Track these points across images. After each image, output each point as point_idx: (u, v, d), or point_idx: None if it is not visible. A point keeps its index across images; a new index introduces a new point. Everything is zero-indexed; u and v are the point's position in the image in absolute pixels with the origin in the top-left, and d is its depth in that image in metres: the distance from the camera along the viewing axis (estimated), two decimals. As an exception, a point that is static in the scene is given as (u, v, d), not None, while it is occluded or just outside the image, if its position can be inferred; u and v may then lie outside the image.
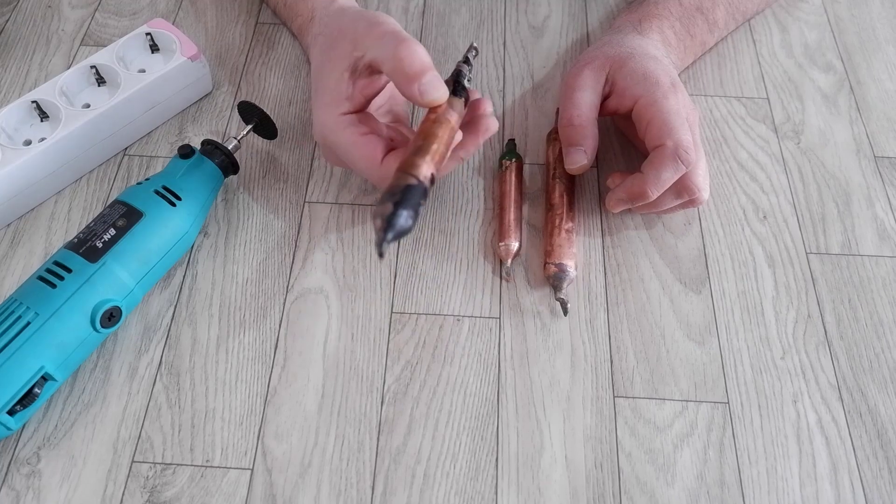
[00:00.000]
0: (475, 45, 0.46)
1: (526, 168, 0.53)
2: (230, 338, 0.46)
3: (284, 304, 0.47)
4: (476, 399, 0.44)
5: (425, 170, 0.39)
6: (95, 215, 0.45)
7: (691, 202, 0.47)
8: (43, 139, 0.49)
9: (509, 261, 0.48)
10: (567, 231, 0.48)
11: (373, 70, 0.44)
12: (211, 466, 0.42)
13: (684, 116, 0.46)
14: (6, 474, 0.41)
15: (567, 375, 0.45)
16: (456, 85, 0.43)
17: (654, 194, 0.45)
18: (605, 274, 0.49)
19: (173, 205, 0.46)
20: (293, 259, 0.49)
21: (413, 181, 0.38)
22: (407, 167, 0.39)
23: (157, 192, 0.46)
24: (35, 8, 0.63)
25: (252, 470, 0.42)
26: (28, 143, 0.51)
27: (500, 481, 0.42)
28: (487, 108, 0.45)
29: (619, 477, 0.42)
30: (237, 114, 0.54)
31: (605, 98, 0.49)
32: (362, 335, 0.46)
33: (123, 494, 0.41)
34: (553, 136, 0.53)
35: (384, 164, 0.43)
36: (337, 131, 0.44)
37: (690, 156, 0.44)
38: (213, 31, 0.61)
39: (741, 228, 0.51)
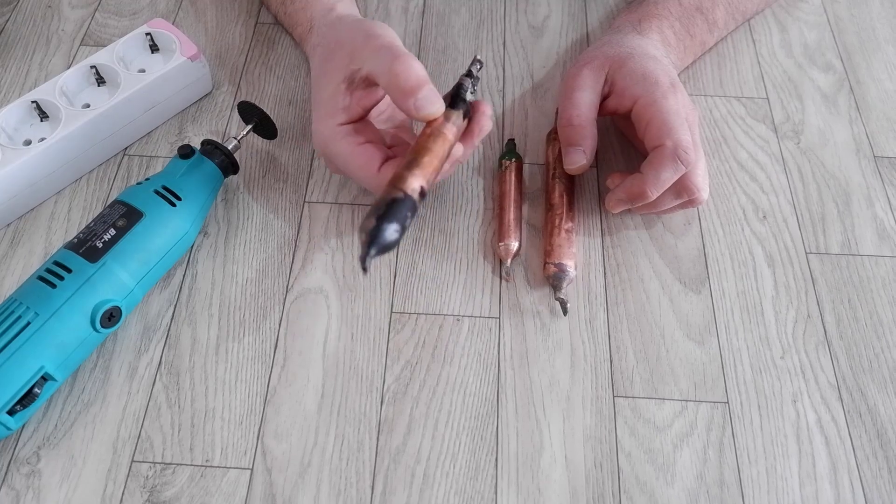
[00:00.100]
0: (479, 57, 0.46)
1: (526, 168, 0.53)
2: (230, 337, 0.46)
3: (284, 303, 0.47)
4: (476, 399, 0.44)
5: (414, 183, 0.39)
6: (95, 215, 0.46)
7: (691, 202, 0.47)
8: (43, 139, 0.49)
9: (509, 261, 0.48)
10: (567, 231, 0.48)
11: (369, 82, 0.44)
12: (211, 466, 0.42)
13: (684, 116, 0.46)
14: (6, 474, 0.41)
15: (567, 375, 0.45)
16: (455, 98, 0.43)
17: (653, 194, 0.45)
18: (605, 274, 0.49)
19: (173, 205, 0.46)
20: (293, 259, 0.49)
21: (399, 195, 0.38)
22: (395, 181, 0.39)
23: (157, 192, 0.46)
24: (35, 8, 0.63)
25: (252, 469, 0.42)
26: (28, 143, 0.51)
27: (499, 481, 0.42)
28: (484, 108, 0.45)
29: (618, 477, 0.42)
30: (237, 114, 0.54)
31: (604, 98, 0.49)
32: (362, 335, 0.46)
33: (123, 494, 0.41)
34: (553, 136, 0.53)
35: (381, 173, 0.44)
36: (334, 142, 0.45)
37: (690, 156, 0.44)
38: (212, 31, 0.61)
39: (741, 228, 0.51)
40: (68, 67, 0.57)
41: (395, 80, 0.41)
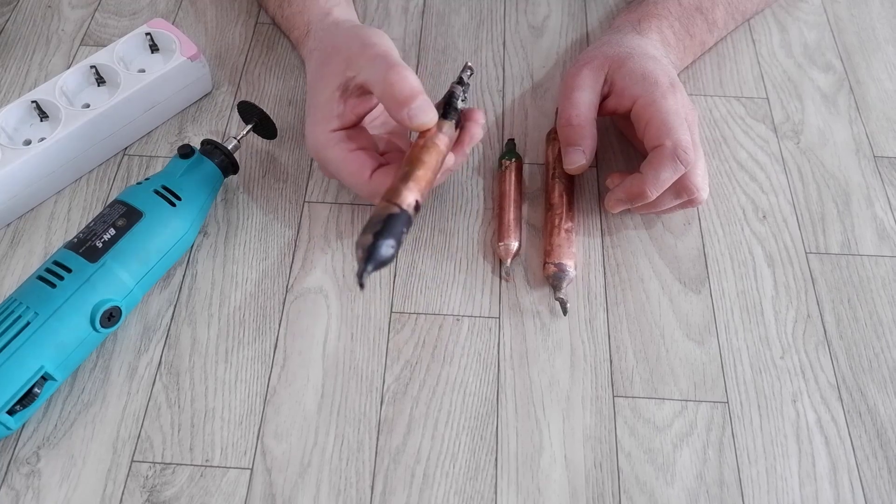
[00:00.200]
0: (470, 64, 0.46)
1: (525, 168, 0.53)
2: (230, 337, 0.46)
3: (284, 303, 0.47)
4: (475, 399, 0.44)
5: (409, 198, 0.39)
6: (95, 215, 0.46)
7: (690, 202, 0.47)
8: (43, 139, 0.49)
9: (509, 260, 0.48)
10: (566, 231, 0.48)
11: (364, 90, 0.44)
12: (210, 466, 0.42)
13: (683, 116, 0.46)
14: (6, 474, 0.41)
15: (566, 375, 0.45)
16: (447, 107, 0.43)
17: (653, 194, 0.45)
18: (605, 274, 0.49)
19: (173, 205, 0.46)
20: (293, 259, 0.49)
21: (395, 210, 0.38)
22: (391, 196, 0.39)
23: (157, 192, 0.46)
24: (35, 8, 0.63)
25: (251, 469, 0.42)
26: (28, 142, 0.51)
27: (499, 481, 0.42)
28: (475, 116, 0.45)
29: (618, 476, 0.42)
30: (237, 114, 0.54)
31: (604, 98, 0.49)
32: (362, 335, 0.46)
33: (123, 494, 0.41)
34: (552, 136, 0.53)
35: (373, 180, 0.44)
36: (327, 147, 0.45)
37: (689, 156, 0.44)
38: (212, 31, 0.61)
39: (741, 228, 0.51)
40: (68, 67, 0.57)
41: (389, 89, 0.41)
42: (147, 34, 0.55)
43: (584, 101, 0.48)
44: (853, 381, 0.45)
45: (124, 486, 0.41)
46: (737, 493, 0.41)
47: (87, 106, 0.53)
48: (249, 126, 0.51)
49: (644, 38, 0.52)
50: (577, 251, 0.50)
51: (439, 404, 0.44)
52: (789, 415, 0.44)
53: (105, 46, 0.55)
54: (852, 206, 0.52)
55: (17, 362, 0.40)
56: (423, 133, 0.42)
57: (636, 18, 0.54)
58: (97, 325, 0.42)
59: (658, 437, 0.43)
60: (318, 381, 0.45)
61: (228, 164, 0.49)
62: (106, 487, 0.41)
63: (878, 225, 0.51)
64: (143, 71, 0.54)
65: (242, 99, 0.52)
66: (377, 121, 0.49)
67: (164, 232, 0.45)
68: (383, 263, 0.37)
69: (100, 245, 0.43)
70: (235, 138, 0.50)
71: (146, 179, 0.47)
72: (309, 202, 0.52)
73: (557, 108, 0.52)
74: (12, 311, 0.41)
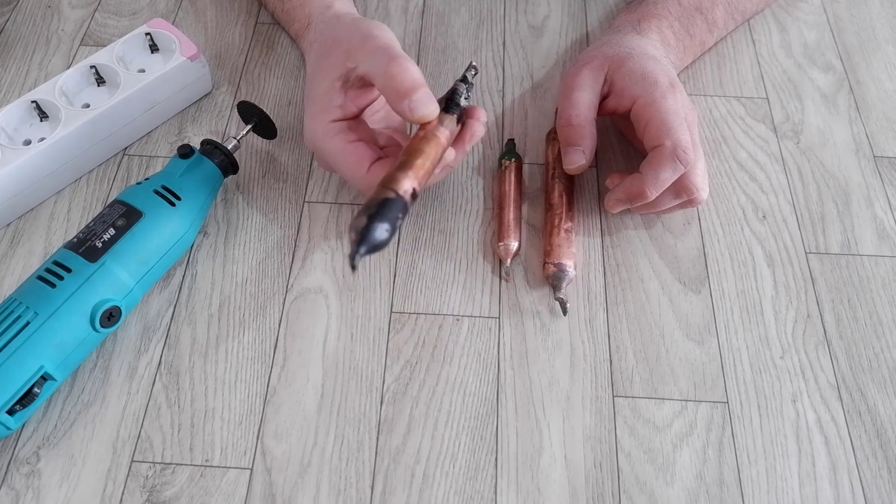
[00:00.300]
0: (475, 63, 0.46)
1: (525, 168, 0.53)
2: (230, 337, 0.46)
3: (284, 303, 0.47)
4: (475, 399, 0.44)
5: (406, 184, 0.39)
6: (95, 215, 0.46)
7: (690, 202, 0.47)
8: (42, 139, 0.49)
9: (509, 260, 0.48)
10: (566, 231, 0.48)
11: (365, 82, 0.44)
12: (210, 466, 0.42)
13: (683, 116, 0.46)
14: (6, 474, 0.41)
15: (566, 375, 0.45)
16: (449, 102, 0.43)
17: (652, 194, 0.45)
18: (605, 274, 0.49)
19: (173, 204, 0.46)
20: (293, 259, 0.49)
21: (391, 195, 0.38)
22: (387, 181, 0.39)
23: (157, 192, 0.46)
24: (35, 8, 0.63)
25: (251, 469, 0.42)
26: (28, 142, 0.51)
27: (499, 481, 0.42)
28: (478, 114, 0.45)
29: (618, 476, 0.42)
30: (237, 114, 0.54)
31: (603, 98, 0.49)
32: (362, 335, 0.46)
33: (123, 494, 0.41)
34: (552, 136, 0.53)
35: (370, 173, 0.44)
36: (326, 139, 0.45)
37: (689, 156, 0.44)
38: (212, 31, 0.61)
39: (740, 228, 0.51)
40: (68, 67, 0.57)
41: (390, 81, 0.41)
42: (147, 34, 0.55)
43: (584, 102, 0.48)
44: (853, 381, 0.45)
45: (124, 486, 0.41)
46: (737, 493, 0.41)
47: (87, 106, 0.53)
48: (249, 126, 0.51)
49: (644, 38, 0.52)
50: (577, 251, 0.50)
51: (439, 404, 0.44)
52: (789, 415, 0.44)
53: (105, 46, 0.55)
54: (852, 206, 0.52)
55: (17, 362, 0.40)
56: (424, 125, 0.42)
57: (636, 18, 0.54)
58: (97, 324, 0.42)
59: (658, 437, 0.43)
60: (318, 381, 0.45)
61: (228, 164, 0.49)
62: (106, 487, 0.41)
63: (878, 225, 0.51)
64: (143, 71, 0.54)
65: (242, 99, 0.52)
66: (377, 115, 0.49)
67: (163, 232, 0.45)
68: (376, 247, 0.37)
69: (99, 245, 0.43)
70: (235, 138, 0.50)
71: (146, 179, 0.47)
72: (309, 202, 0.52)
73: (557, 108, 0.52)
74: (12, 311, 0.41)
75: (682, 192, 0.46)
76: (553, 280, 0.47)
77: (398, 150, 0.45)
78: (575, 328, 0.47)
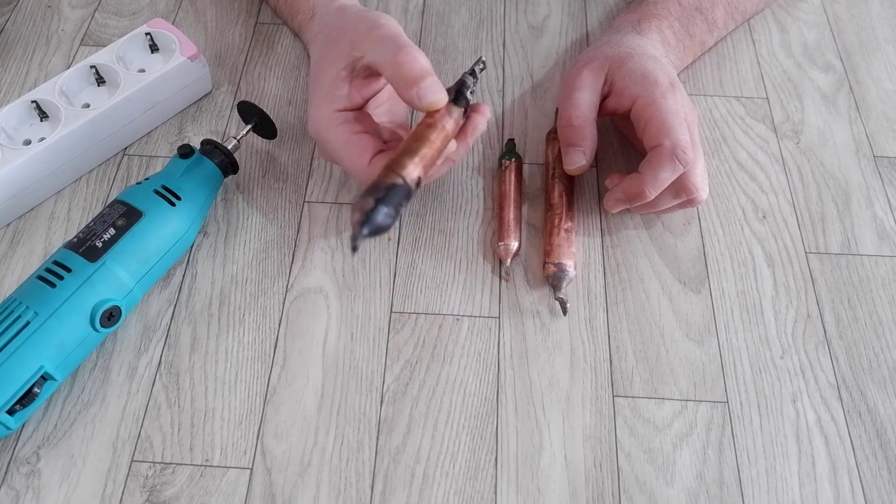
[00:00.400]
0: (483, 59, 0.46)
1: (525, 168, 0.53)
2: (230, 337, 0.46)
3: (284, 303, 0.47)
4: (475, 398, 0.44)
5: (412, 171, 0.39)
6: (95, 215, 0.46)
7: (690, 202, 0.47)
8: (43, 139, 0.49)
9: (509, 260, 0.48)
10: (566, 231, 0.48)
11: (371, 72, 0.44)
12: (210, 466, 0.42)
13: (682, 116, 0.46)
14: (6, 473, 0.41)
15: (566, 375, 0.45)
16: (458, 94, 0.43)
17: (651, 194, 0.45)
18: (605, 274, 0.49)
19: (173, 204, 0.46)
20: (293, 259, 0.49)
21: (398, 180, 0.38)
22: (394, 166, 0.39)
23: (157, 192, 0.46)
24: (35, 8, 0.63)
25: (251, 469, 0.42)
26: (28, 142, 0.51)
27: (499, 481, 0.42)
28: (482, 109, 0.45)
29: (618, 476, 0.42)
30: (237, 114, 0.54)
31: (604, 98, 0.49)
32: (362, 335, 0.46)
33: (123, 494, 0.41)
34: (552, 136, 0.53)
35: (372, 165, 0.43)
36: (329, 128, 0.44)
37: (688, 155, 0.44)
38: (212, 31, 0.61)
39: (740, 228, 0.51)
40: (68, 67, 0.57)
41: (398, 70, 0.41)
42: (147, 34, 0.55)
43: (585, 102, 0.48)
44: (853, 381, 0.45)
45: (124, 486, 0.41)
46: (737, 493, 0.41)
47: (87, 106, 0.53)
48: (249, 126, 0.51)
49: (644, 38, 0.52)
50: (577, 251, 0.50)
51: (439, 404, 0.44)
52: (789, 415, 0.44)
53: (105, 46, 0.55)
54: (852, 206, 0.52)
55: (17, 362, 0.40)
56: (431, 113, 0.42)
57: (636, 18, 0.54)
58: (97, 324, 0.42)
59: (658, 437, 0.43)
60: (318, 380, 0.45)
61: (228, 164, 0.49)
62: (106, 487, 0.41)
63: (878, 225, 0.51)
64: (143, 71, 0.54)
65: (242, 99, 0.52)
66: (381, 109, 0.49)
67: (163, 232, 0.45)
68: (379, 231, 0.37)
69: (100, 245, 0.43)
70: (235, 138, 0.50)
71: (146, 179, 0.47)
72: (309, 202, 0.52)
73: (557, 108, 0.52)
74: (12, 311, 0.41)
75: (681, 191, 0.46)
76: (553, 280, 0.47)
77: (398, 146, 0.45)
78: (575, 328, 0.47)
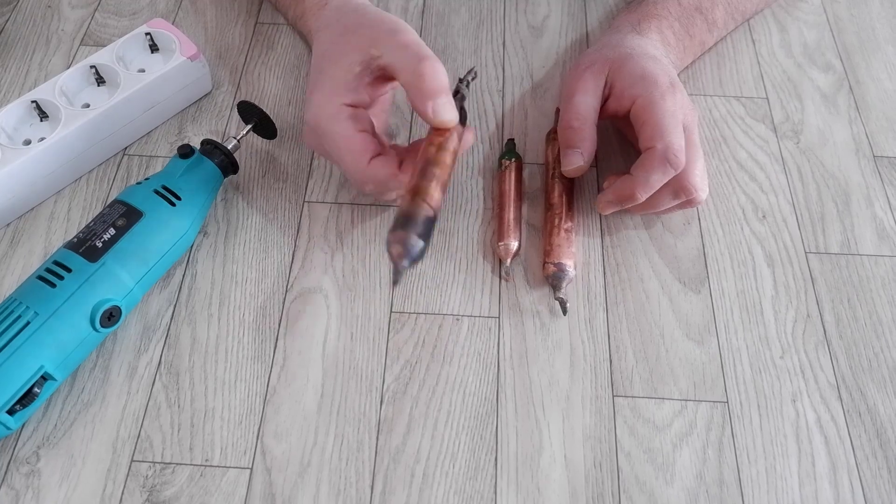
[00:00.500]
0: (475, 69, 0.46)
1: (525, 168, 0.53)
2: (229, 337, 0.46)
3: (284, 303, 0.47)
4: (475, 398, 0.44)
5: (436, 197, 0.40)
6: (95, 215, 0.46)
7: (689, 202, 0.47)
8: (42, 139, 0.49)
9: (508, 260, 0.48)
10: (566, 231, 0.48)
11: (383, 74, 0.44)
12: (210, 466, 0.42)
13: (679, 118, 0.46)
14: (6, 473, 0.41)
15: (566, 375, 0.45)
16: (461, 111, 0.43)
17: (642, 197, 0.45)
18: (605, 273, 0.49)
19: (173, 204, 0.46)
20: (292, 259, 0.49)
21: (431, 213, 0.39)
22: (422, 194, 0.39)
23: (157, 192, 0.46)
24: (35, 8, 0.63)
25: (251, 469, 0.42)
26: (28, 142, 0.51)
27: (499, 481, 0.42)
28: (470, 128, 0.45)
29: (618, 476, 0.42)
30: (237, 113, 0.54)
31: (605, 101, 0.49)
32: (362, 335, 0.46)
33: (123, 493, 0.41)
34: (552, 136, 0.53)
35: (370, 166, 0.43)
36: (334, 121, 0.43)
37: (680, 159, 0.44)
38: (212, 31, 0.61)
39: (740, 228, 0.51)
40: (68, 67, 0.57)
41: (418, 80, 0.41)
42: (147, 34, 0.55)
43: (585, 106, 0.48)
44: (853, 381, 0.45)
45: (124, 486, 0.41)
46: (736, 493, 0.41)
47: (87, 106, 0.53)
48: (249, 126, 0.51)
49: (644, 38, 0.52)
50: (577, 251, 0.50)
51: (439, 404, 0.44)
52: (789, 414, 0.44)
53: (105, 46, 0.55)
54: (852, 206, 0.52)
55: (17, 362, 0.40)
56: (439, 132, 0.42)
57: (636, 19, 0.54)
58: (97, 324, 0.42)
59: (658, 437, 0.43)
60: (317, 380, 0.45)
61: (228, 164, 0.49)
62: (106, 487, 0.41)
63: (878, 225, 0.51)
64: (142, 71, 0.54)
65: (242, 99, 0.52)
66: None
67: (163, 232, 0.45)
68: (417, 261, 0.38)
69: (100, 245, 0.43)
70: (235, 138, 0.50)
71: (146, 179, 0.47)
72: (309, 202, 0.52)
73: (557, 108, 0.52)
74: (12, 311, 0.41)
75: (681, 192, 0.46)
76: (553, 280, 0.47)
77: (386, 151, 0.45)
78: (575, 328, 0.47)
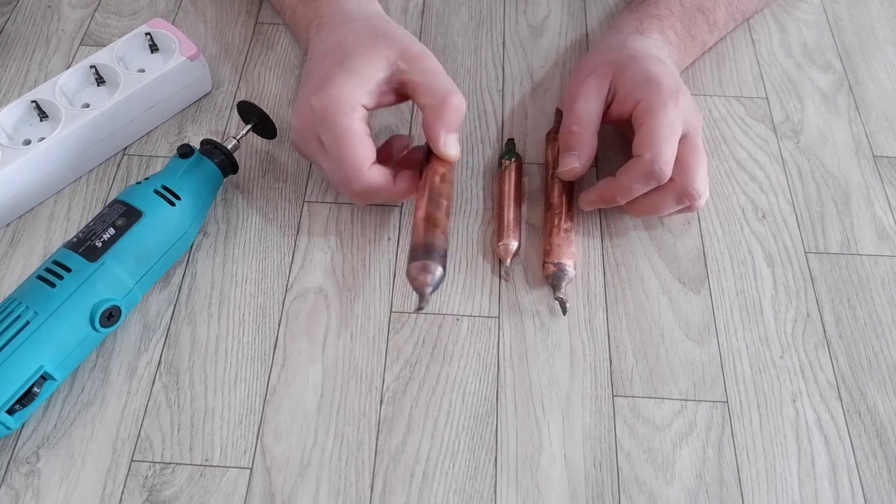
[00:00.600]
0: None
1: (525, 168, 0.53)
2: (229, 337, 0.46)
3: (284, 303, 0.47)
4: (475, 398, 0.44)
5: (448, 229, 0.43)
6: (95, 215, 0.46)
7: (689, 207, 0.47)
8: (42, 139, 0.49)
9: (508, 260, 0.48)
10: (566, 230, 0.48)
11: (401, 89, 0.44)
12: (210, 465, 0.42)
13: (678, 128, 0.45)
14: (5, 473, 0.41)
15: (566, 375, 0.45)
16: None
17: (621, 201, 0.46)
18: (605, 273, 0.49)
19: (173, 204, 0.46)
20: (292, 258, 0.49)
21: (446, 243, 0.42)
22: (440, 225, 0.42)
23: (157, 192, 0.46)
24: (35, 8, 0.63)
25: (251, 469, 0.42)
26: (28, 142, 0.51)
27: (499, 480, 0.42)
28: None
29: (617, 476, 0.42)
30: (237, 113, 0.54)
31: (608, 105, 0.49)
32: (361, 334, 0.46)
33: (122, 493, 0.41)
34: (552, 136, 0.53)
35: (368, 173, 0.43)
36: (349, 117, 0.42)
37: (665, 172, 0.44)
38: (212, 31, 0.61)
39: (740, 228, 0.51)
40: (68, 67, 0.57)
41: (444, 108, 0.43)
42: (147, 34, 0.55)
43: (587, 111, 0.48)
44: (853, 381, 0.45)
45: (124, 486, 0.41)
46: (736, 493, 0.41)
47: (87, 106, 0.53)
48: (249, 126, 0.51)
49: (646, 38, 0.52)
50: (577, 251, 0.50)
51: (439, 404, 0.44)
52: (789, 414, 0.44)
53: (105, 46, 0.55)
54: (852, 206, 0.52)
55: (17, 362, 0.40)
56: (442, 162, 0.44)
57: (637, 19, 0.54)
58: (97, 324, 0.42)
59: (657, 437, 0.43)
60: (317, 380, 0.45)
61: (228, 164, 0.49)
62: (105, 487, 0.41)
63: (878, 225, 0.51)
64: (142, 71, 0.54)
65: (242, 99, 0.52)
66: None
67: (163, 231, 0.45)
68: (437, 289, 0.41)
69: (99, 245, 0.43)
70: (235, 138, 0.50)
71: (146, 179, 0.47)
72: (309, 202, 0.52)
73: (558, 108, 0.52)
74: (12, 311, 0.41)
75: (684, 198, 0.46)
76: (553, 280, 0.47)
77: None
78: (575, 328, 0.47)
